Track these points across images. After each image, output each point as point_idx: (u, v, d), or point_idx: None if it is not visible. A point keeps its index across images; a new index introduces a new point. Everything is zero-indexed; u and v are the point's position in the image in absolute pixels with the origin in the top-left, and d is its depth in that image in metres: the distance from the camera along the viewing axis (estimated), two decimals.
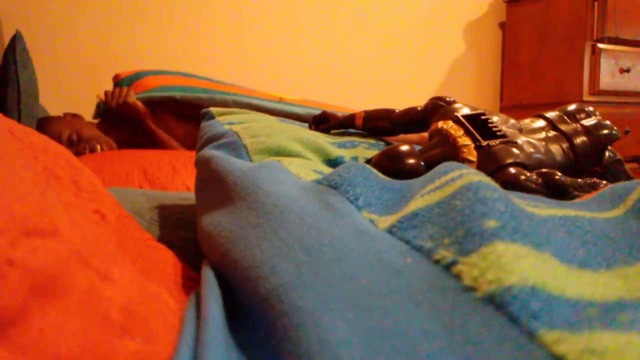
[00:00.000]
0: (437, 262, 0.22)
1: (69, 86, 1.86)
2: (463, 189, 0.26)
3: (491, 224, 0.22)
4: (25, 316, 0.17)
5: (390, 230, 0.26)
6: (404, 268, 0.22)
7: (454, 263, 0.21)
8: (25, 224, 0.18)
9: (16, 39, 1.25)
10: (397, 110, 0.61)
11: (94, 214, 0.34)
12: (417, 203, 0.28)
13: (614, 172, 0.54)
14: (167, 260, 0.37)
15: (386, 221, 0.28)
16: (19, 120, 1.23)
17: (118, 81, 1.46)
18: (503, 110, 2.55)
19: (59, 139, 1.30)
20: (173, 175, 1.10)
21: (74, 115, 1.43)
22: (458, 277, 0.21)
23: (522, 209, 0.25)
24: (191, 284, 0.36)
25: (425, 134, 0.56)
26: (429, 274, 0.22)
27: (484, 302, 0.19)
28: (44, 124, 1.34)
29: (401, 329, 0.19)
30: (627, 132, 2.17)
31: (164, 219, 0.57)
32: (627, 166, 0.56)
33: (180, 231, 0.54)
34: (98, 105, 1.49)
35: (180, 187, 1.07)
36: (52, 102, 1.78)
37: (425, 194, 0.28)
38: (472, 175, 0.27)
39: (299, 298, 0.21)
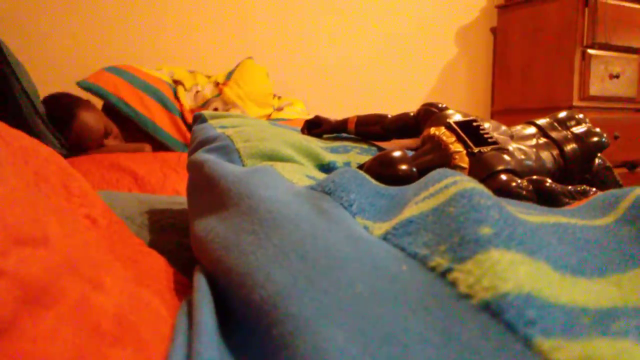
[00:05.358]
0: (432, 269, 0.22)
1: (62, 80, 1.84)
2: (457, 196, 0.26)
3: (486, 230, 0.22)
4: (16, 326, 0.16)
5: (385, 237, 0.26)
6: (399, 275, 0.22)
7: (449, 270, 0.21)
8: (16, 233, 0.18)
9: (2, 48, 1.23)
10: (389, 116, 0.61)
11: (85, 219, 0.34)
12: (411, 210, 0.28)
13: (604, 179, 0.55)
14: (159, 265, 0.37)
15: (380, 228, 0.28)
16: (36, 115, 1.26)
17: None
18: (494, 114, 2.57)
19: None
20: (163, 181, 1.10)
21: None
22: (453, 284, 0.21)
23: (516, 216, 0.25)
24: (182, 290, 0.36)
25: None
26: (425, 281, 0.21)
27: (480, 309, 0.19)
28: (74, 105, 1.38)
29: (397, 336, 0.19)
30: (616, 138, 2.19)
31: (155, 223, 0.57)
32: (616, 171, 0.56)
33: (171, 236, 0.54)
34: None
35: (171, 192, 1.07)
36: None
37: (420, 201, 0.28)
38: (466, 182, 0.27)
39: (294, 305, 0.21)
